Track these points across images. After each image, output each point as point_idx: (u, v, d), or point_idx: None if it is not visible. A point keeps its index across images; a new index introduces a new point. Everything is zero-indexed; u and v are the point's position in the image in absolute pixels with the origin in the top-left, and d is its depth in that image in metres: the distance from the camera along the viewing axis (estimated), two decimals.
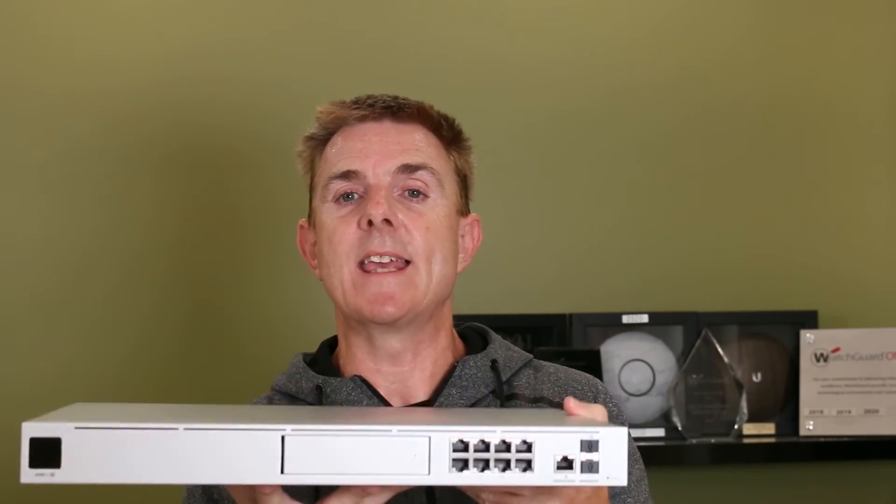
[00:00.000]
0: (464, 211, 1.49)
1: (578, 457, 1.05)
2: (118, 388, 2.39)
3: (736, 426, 2.46)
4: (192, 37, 2.48)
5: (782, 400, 2.54)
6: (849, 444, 2.45)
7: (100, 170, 2.44)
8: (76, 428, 1.02)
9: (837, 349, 2.50)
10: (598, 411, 1.18)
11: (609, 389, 1.53)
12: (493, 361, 1.46)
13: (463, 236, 1.49)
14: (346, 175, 1.42)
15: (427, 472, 1.05)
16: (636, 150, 2.59)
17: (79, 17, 2.45)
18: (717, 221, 2.61)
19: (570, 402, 1.17)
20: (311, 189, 1.48)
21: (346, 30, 2.52)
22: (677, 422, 2.47)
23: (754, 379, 2.54)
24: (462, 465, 1.05)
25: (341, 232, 1.40)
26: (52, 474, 1.02)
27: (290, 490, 1.11)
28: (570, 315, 2.50)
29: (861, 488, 2.57)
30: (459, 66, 2.54)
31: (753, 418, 2.50)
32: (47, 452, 1.02)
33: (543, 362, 1.52)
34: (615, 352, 2.51)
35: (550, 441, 1.05)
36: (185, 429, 1.03)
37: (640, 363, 2.52)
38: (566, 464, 1.05)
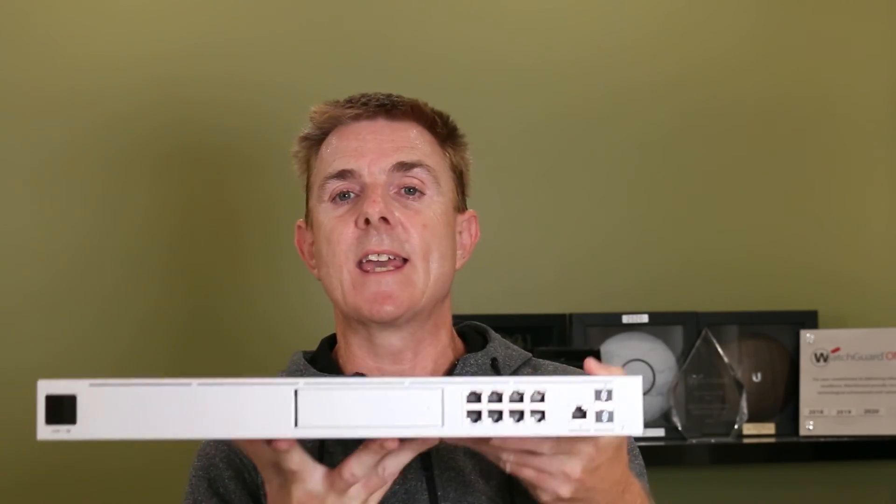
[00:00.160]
0: (461, 207, 1.49)
1: (592, 406, 1.05)
2: None
3: (736, 426, 2.46)
4: (190, 36, 2.48)
5: (782, 400, 2.54)
6: (849, 444, 2.45)
7: (96, 169, 2.44)
8: (91, 385, 1.04)
9: (837, 349, 2.50)
10: (618, 372, 1.17)
11: None
12: (494, 360, 1.46)
13: (460, 233, 1.49)
14: (342, 174, 1.42)
15: (441, 424, 1.04)
16: (636, 150, 2.59)
17: (77, 17, 2.45)
18: (717, 221, 2.60)
19: (591, 363, 1.16)
20: (308, 189, 1.49)
21: (345, 30, 2.52)
22: (677, 422, 2.46)
23: (754, 379, 2.54)
24: (476, 416, 1.04)
25: (339, 231, 1.40)
26: (68, 430, 1.03)
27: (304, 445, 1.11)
28: (570, 315, 2.50)
29: (861, 488, 2.57)
30: (459, 66, 2.54)
31: (753, 418, 2.49)
32: (63, 409, 1.03)
33: (543, 361, 1.52)
34: (615, 352, 2.51)
35: (564, 390, 1.05)
36: (199, 384, 1.04)
37: (640, 363, 2.52)
38: (580, 413, 1.05)
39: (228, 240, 2.46)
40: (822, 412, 2.49)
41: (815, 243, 2.61)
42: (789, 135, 2.62)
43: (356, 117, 1.44)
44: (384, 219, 1.38)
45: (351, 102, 1.45)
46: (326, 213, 1.42)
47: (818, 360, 2.50)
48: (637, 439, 1.71)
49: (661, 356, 2.52)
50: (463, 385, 1.04)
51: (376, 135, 1.43)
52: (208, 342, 2.43)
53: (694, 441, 2.44)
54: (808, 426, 2.48)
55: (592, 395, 1.05)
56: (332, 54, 2.50)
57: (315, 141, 1.47)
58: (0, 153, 2.42)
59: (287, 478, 1.15)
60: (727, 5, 2.63)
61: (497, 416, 1.04)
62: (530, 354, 1.51)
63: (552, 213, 2.57)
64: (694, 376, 2.49)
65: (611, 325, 2.52)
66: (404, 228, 1.40)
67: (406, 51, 2.53)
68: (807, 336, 2.51)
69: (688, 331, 2.52)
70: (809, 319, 2.54)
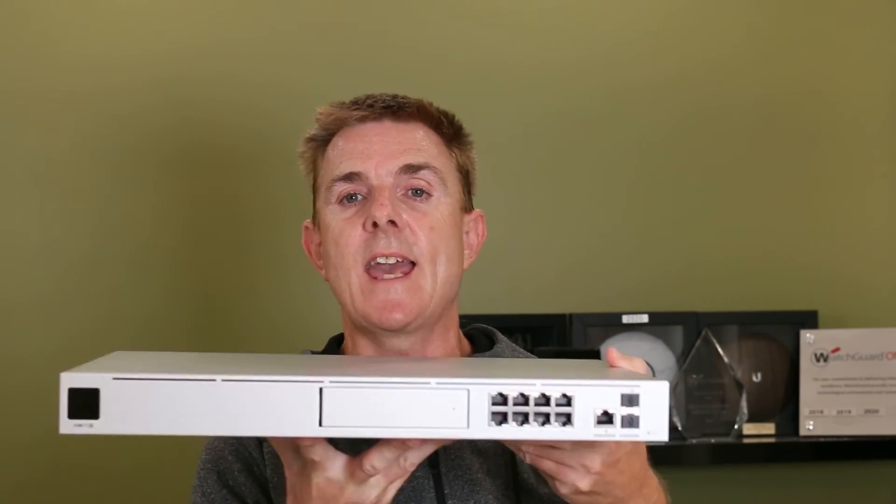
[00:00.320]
0: (467, 207, 1.49)
1: (619, 411, 1.04)
2: None
3: (736, 426, 2.46)
4: (196, 36, 2.47)
5: (782, 400, 2.54)
6: (849, 444, 2.45)
7: (102, 170, 2.44)
8: (114, 379, 1.02)
9: (837, 349, 2.50)
10: (639, 364, 1.18)
11: None
12: None
13: (467, 233, 1.49)
14: (349, 177, 1.41)
15: (466, 426, 1.04)
16: (636, 150, 2.59)
17: (83, 18, 2.45)
18: (717, 221, 2.60)
19: (613, 353, 1.16)
20: (314, 190, 1.48)
21: (349, 30, 2.52)
22: (677, 422, 2.46)
23: (754, 379, 2.54)
24: (501, 419, 1.04)
25: (347, 234, 1.40)
26: (91, 425, 1.02)
27: (331, 441, 1.11)
28: (570, 315, 2.50)
29: (861, 488, 2.57)
30: (459, 66, 2.54)
31: (753, 418, 2.49)
32: (86, 403, 1.01)
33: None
34: None
35: (590, 395, 1.04)
36: (224, 380, 1.02)
37: None
38: (606, 418, 1.04)
39: (234, 240, 2.46)
40: (822, 412, 2.49)
41: (815, 243, 2.61)
42: (789, 135, 2.62)
43: (362, 119, 1.43)
44: (392, 222, 1.38)
45: (357, 104, 1.44)
46: (334, 216, 1.42)
47: (818, 360, 2.50)
48: None
49: (661, 356, 2.52)
50: (489, 386, 1.04)
51: (383, 136, 1.42)
52: (214, 341, 2.43)
53: (694, 441, 2.44)
54: (808, 426, 2.48)
55: (619, 400, 1.04)
56: (334, 55, 2.50)
57: (321, 142, 1.47)
58: (7, 154, 2.41)
59: (308, 465, 1.15)
60: (727, 5, 2.63)
61: (522, 418, 1.04)
62: (536, 357, 1.51)
63: (552, 213, 2.57)
64: (694, 376, 2.49)
65: (611, 325, 2.52)
66: (412, 231, 1.39)
67: (406, 51, 2.53)
68: (807, 336, 2.51)
69: (688, 331, 2.52)
70: (809, 319, 2.54)
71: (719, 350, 2.50)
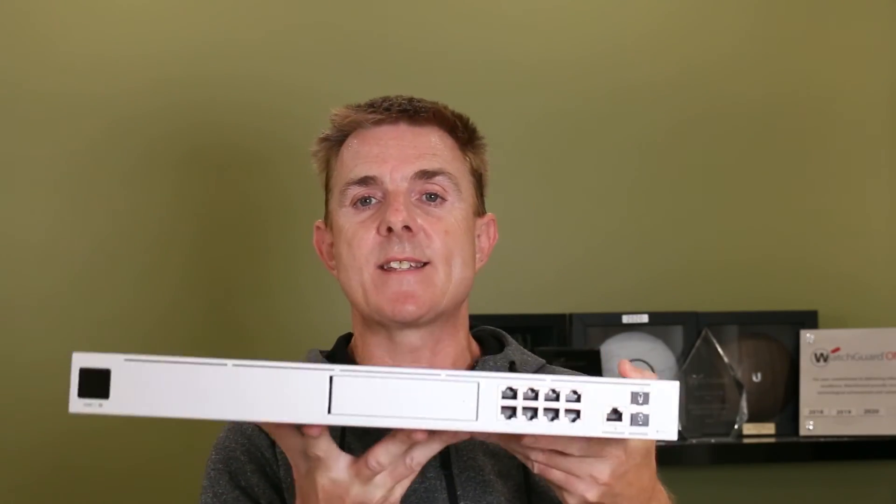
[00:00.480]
0: (480, 211, 1.49)
1: (628, 409, 1.04)
2: None
3: (736, 426, 2.46)
4: (208, 36, 2.47)
5: (782, 400, 2.55)
6: (849, 444, 2.45)
7: (113, 171, 2.43)
8: (126, 360, 1.03)
9: (837, 349, 2.50)
10: (652, 377, 1.17)
11: None
12: (511, 363, 1.46)
13: (479, 236, 1.49)
14: (364, 181, 1.41)
15: (475, 418, 1.04)
16: (637, 150, 2.59)
17: (95, 19, 2.44)
18: (717, 221, 2.60)
19: (625, 366, 1.16)
20: (327, 189, 1.48)
21: (353, 30, 2.51)
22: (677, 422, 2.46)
23: (754, 379, 2.55)
24: (510, 412, 1.04)
25: (360, 237, 1.40)
26: (101, 405, 1.02)
27: (339, 440, 1.11)
28: (570, 315, 2.50)
29: (861, 488, 2.57)
30: (459, 66, 2.54)
31: (753, 418, 2.50)
32: (96, 383, 1.02)
33: (557, 367, 1.53)
34: (615, 352, 2.51)
35: (600, 392, 1.04)
36: (234, 364, 1.03)
37: (640, 363, 2.51)
38: (615, 416, 1.04)
39: (244, 240, 2.46)
40: (822, 412, 2.49)
41: (815, 243, 2.62)
42: (789, 135, 2.63)
43: (378, 122, 1.43)
44: (407, 227, 1.38)
45: (373, 107, 1.44)
46: (348, 218, 1.42)
47: (818, 360, 2.51)
48: None
49: (661, 356, 2.52)
50: (499, 380, 1.04)
51: (398, 140, 1.42)
52: (225, 341, 2.43)
53: (694, 441, 2.44)
54: (808, 426, 2.49)
55: (629, 398, 1.05)
56: (339, 54, 2.50)
57: (335, 142, 1.47)
58: (20, 157, 2.41)
59: (312, 464, 1.15)
60: (727, 5, 2.63)
61: (532, 413, 1.04)
62: (544, 361, 1.52)
63: (552, 213, 2.57)
64: (694, 376, 2.49)
65: (611, 325, 2.52)
66: (426, 235, 1.40)
67: (407, 51, 2.53)
68: (807, 336, 2.52)
69: (688, 331, 2.52)
70: (809, 319, 2.54)
71: (719, 350, 2.50)
